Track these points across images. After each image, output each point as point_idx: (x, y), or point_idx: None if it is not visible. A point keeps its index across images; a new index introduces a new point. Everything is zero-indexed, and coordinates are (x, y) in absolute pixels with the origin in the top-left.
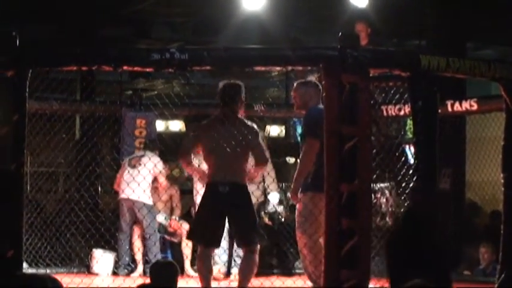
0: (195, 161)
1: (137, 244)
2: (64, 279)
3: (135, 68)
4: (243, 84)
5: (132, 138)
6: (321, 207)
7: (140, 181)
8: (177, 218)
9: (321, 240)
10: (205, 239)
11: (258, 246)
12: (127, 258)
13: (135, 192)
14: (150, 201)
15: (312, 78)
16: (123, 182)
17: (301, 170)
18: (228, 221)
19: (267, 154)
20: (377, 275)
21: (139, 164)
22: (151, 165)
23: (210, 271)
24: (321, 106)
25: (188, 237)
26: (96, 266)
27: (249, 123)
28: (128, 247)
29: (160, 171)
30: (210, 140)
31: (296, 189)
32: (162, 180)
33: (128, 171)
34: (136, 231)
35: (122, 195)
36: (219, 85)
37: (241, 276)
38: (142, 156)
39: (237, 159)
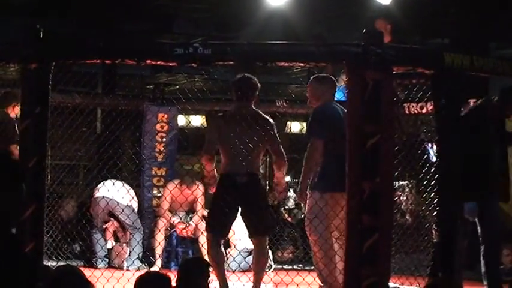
0: None
1: (159, 238)
2: (84, 272)
3: (159, 62)
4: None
5: (153, 133)
6: (330, 205)
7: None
8: (192, 222)
9: (333, 239)
10: (217, 229)
11: (267, 238)
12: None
13: (117, 195)
14: (131, 203)
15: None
16: (103, 187)
17: (305, 171)
18: (242, 211)
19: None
20: (397, 273)
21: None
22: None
23: (223, 257)
24: (333, 103)
25: (207, 230)
26: (116, 260)
27: (264, 115)
28: (101, 241)
29: (133, 198)
30: (226, 132)
31: (303, 190)
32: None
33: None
34: (160, 225)
35: (104, 194)
36: (234, 79)
37: (256, 270)
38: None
39: (253, 150)
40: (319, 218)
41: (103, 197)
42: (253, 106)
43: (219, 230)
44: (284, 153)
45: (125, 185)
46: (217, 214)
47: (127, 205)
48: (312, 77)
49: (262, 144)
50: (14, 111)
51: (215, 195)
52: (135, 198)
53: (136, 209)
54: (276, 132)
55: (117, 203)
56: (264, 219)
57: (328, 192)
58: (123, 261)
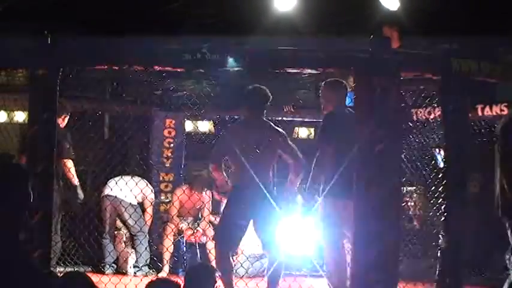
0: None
1: (166, 244)
2: (92, 278)
3: (166, 68)
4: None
5: (161, 138)
6: (340, 212)
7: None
8: (199, 228)
9: (344, 244)
10: (226, 243)
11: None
12: (112, 258)
13: (120, 193)
14: (135, 202)
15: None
16: (111, 182)
17: (313, 176)
18: (254, 224)
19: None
20: (405, 278)
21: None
22: (137, 191)
23: (231, 267)
24: (344, 108)
25: (215, 245)
26: (123, 265)
27: (275, 126)
28: (110, 247)
29: (147, 197)
30: (238, 142)
31: (309, 194)
32: (150, 211)
33: (116, 181)
34: (168, 230)
35: (109, 192)
36: (247, 89)
37: (271, 283)
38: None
39: (265, 161)
40: (329, 224)
41: (111, 196)
42: (264, 118)
43: (227, 244)
44: (301, 156)
45: (138, 183)
46: (227, 227)
47: (130, 204)
48: (323, 83)
49: (274, 157)
50: (63, 123)
51: (225, 208)
52: (149, 196)
53: (149, 203)
54: (288, 141)
55: (120, 201)
56: (274, 231)
57: (338, 198)
58: (129, 267)
